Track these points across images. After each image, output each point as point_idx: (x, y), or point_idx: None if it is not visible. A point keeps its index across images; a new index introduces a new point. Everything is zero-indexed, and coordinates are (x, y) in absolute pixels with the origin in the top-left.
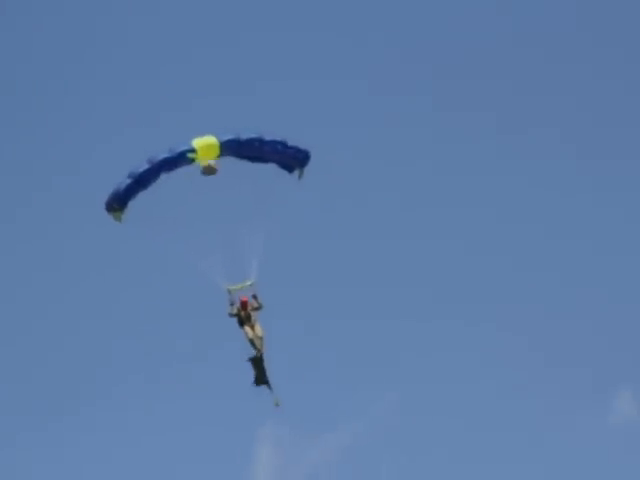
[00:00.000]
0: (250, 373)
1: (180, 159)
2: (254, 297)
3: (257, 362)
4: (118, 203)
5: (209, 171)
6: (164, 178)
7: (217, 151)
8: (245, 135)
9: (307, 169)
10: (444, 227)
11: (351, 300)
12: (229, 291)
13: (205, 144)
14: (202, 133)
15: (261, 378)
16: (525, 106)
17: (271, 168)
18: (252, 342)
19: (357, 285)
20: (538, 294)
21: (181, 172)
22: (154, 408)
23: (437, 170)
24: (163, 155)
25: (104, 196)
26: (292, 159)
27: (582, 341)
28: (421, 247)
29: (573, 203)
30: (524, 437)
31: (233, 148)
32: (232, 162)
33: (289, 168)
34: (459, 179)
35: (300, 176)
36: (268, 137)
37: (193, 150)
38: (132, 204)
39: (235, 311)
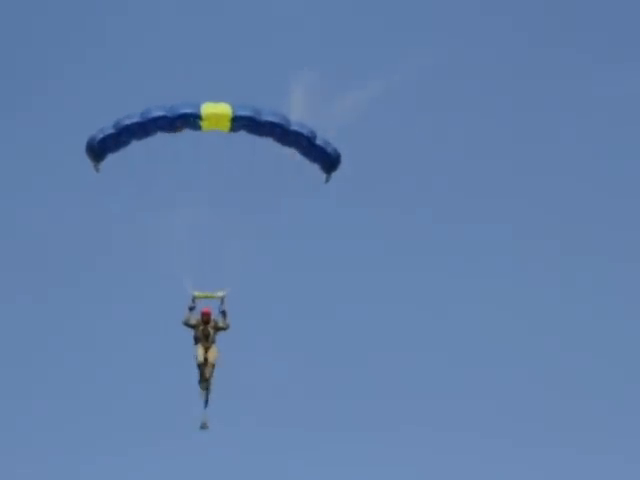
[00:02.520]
0: None
1: (181, 122)
2: (222, 314)
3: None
4: (93, 154)
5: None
6: (154, 138)
7: (228, 124)
8: (266, 116)
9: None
10: None
11: None
12: (194, 297)
13: (215, 113)
14: (214, 96)
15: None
16: None
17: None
18: (200, 367)
19: None
20: None
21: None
22: None
23: None
24: (160, 112)
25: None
26: (317, 159)
27: None
28: None
29: None
30: None
31: (248, 126)
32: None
33: (311, 161)
34: None
35: (327, 180)
36: (294, 126)
37: (199, 117)
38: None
39: (193, 322)
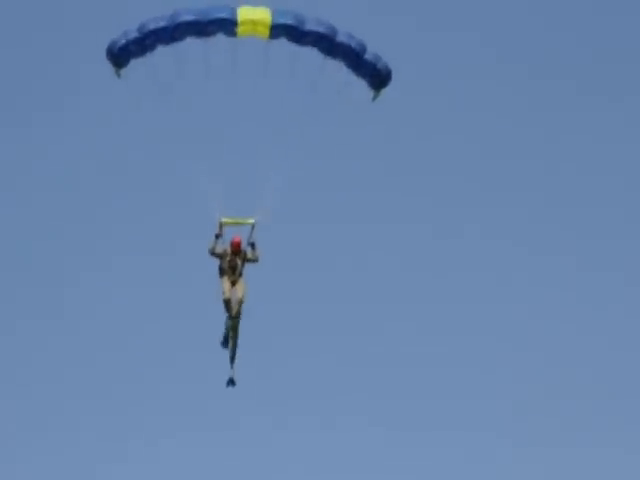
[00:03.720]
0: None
1: (215, 27)
2: (252, 245)
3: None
4: (115, 59)
5: None
6: (183, 43)
7: (267, 32)
8: (311, 24)
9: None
10: None
11: None
12: (221, 224)
13: (253, 19)
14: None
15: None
16: None
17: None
18: (226, 303)
19: None
20: None
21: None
22: None
23: None
24: (191, 16)
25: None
26: (365, 75)
27: None
28: None
29: None
30: None
31: (289, 35)
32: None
33: (358, 76)
34: None
35: (374, 98)
36: (341, 37)
37: (235, 22)
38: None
39: (220, 250)
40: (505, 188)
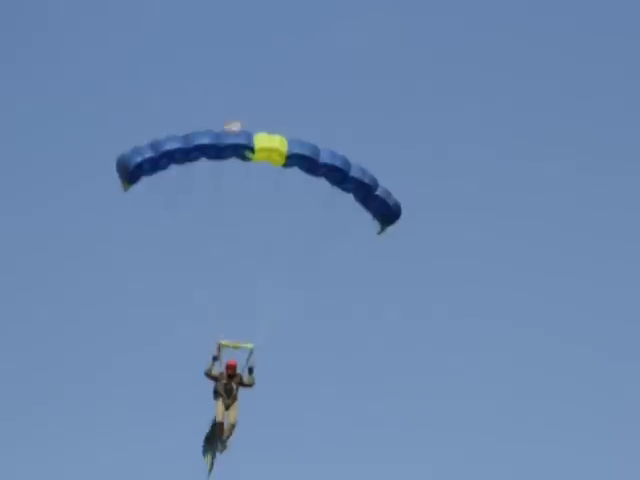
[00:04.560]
0: None
1: (230, 152)
2: (249, 370)
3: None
4: (127, 175)
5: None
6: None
7: (282, 161)
8: (325, 157)
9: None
10: None
11: None
12: (220, 345)
13: (269, 147)
14: (265, 124)
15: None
16: None
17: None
18: (215, 426)
19: None
20: None
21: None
22: None
23: None
24: (208, 140)
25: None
26: (375, 210)
27: None
28: None
29: None
30: None
31: (304, 166)
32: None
33: (367, 210)
34: None
35: (380, 232)
36: (354, 172)
37: (251, 149)
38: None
39: (216, 373)
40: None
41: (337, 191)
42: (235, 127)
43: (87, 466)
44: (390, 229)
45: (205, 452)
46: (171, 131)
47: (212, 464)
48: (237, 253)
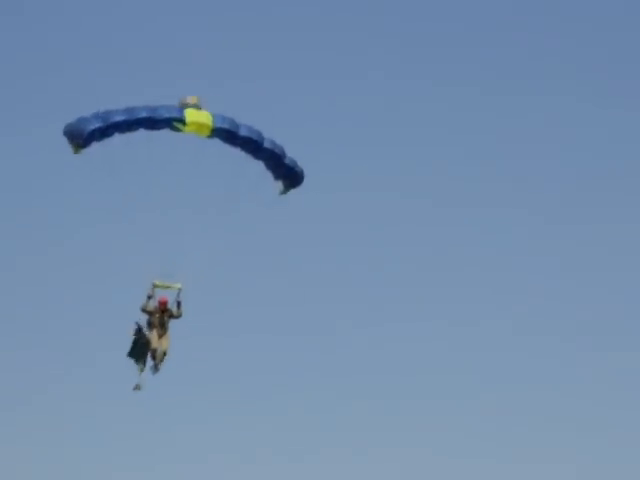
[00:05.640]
0: None
1: (164, 124)
2: (178, 304)
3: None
4: (81, 142)
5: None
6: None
7: (207, 133)
8: (244, 131)
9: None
10: None
11: None
12: (154, 285)
13: (197, 121)
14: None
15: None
16: None
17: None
18: (152, 352)
19: None
20: None
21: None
22: None
23: None
24: (146, 113)
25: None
26: (283, 176)
27: None
28: None
29: None
30: None
31: (225, 137)
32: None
33: (276, 176)
34: None
35: (282, 193)
36: (267, 143)
37: (182, 121)
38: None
39: (150, 308)
40: None
41: (250, 159)
42: (191, 101)
43: None
44: (292, 192)
45: (136, 360)
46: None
47: (142, 369)
48: (169, 210)
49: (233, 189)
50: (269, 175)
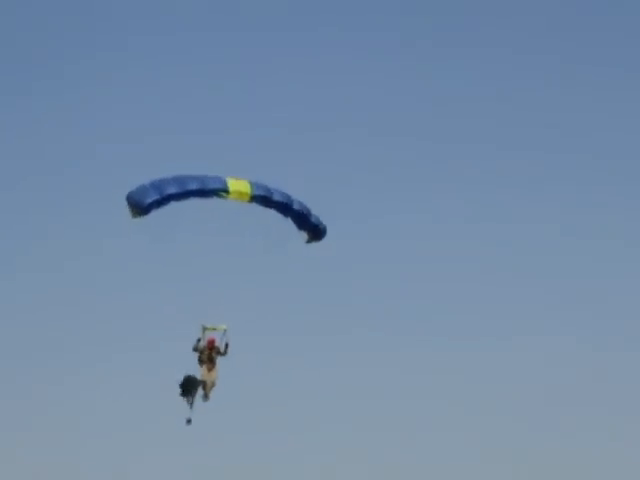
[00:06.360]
0: None
1: (211, 194)
2: (226, 345)
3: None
4: (141, 211)
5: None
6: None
7: (247, 199)
8: (277, 196)
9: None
10: None
11: None
12: (203, 328)
13: (238, 190)
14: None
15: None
16: None
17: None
18: (203, 383)
19: None
20: None
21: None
22: None
23: None
24: (196, 186)
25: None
26: (308, 230)
27: None
28: None
29: None
30: None
31: (261, 202)
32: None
33: (301, 229)
34: None
35: (307, 242)
36: (295, 205)
37: (226, 191)
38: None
39: (200, 348)
40: None
41: (282, 217)
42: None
43: None
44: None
45: (185, 395)
46: None
47: (192, 404)
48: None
49: (263, 242)
50: (294, 229)
